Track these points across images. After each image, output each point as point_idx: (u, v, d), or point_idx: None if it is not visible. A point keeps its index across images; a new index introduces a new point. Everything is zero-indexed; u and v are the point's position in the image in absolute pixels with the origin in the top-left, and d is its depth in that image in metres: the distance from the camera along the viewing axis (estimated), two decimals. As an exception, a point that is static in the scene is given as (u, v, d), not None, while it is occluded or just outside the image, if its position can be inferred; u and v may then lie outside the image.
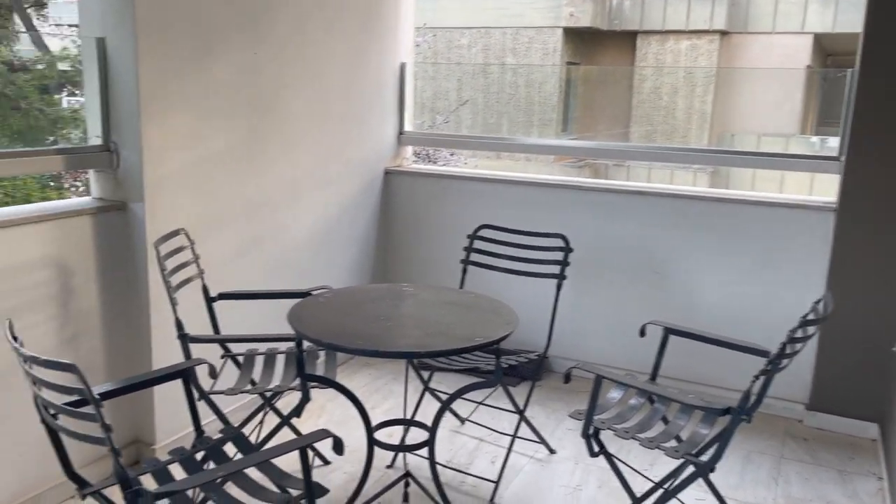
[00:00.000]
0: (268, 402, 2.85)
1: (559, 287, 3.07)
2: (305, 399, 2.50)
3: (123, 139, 2.76)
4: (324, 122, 3.73)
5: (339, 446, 1.84)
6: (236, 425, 2.65)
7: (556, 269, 3.07)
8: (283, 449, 1.79)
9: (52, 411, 1.80)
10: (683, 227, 3.74)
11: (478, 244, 3.28)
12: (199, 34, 2.91)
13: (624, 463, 2.54)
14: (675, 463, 2.60)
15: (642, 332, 2.68)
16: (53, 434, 1.87)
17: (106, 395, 1.98)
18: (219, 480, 1.86)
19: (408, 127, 4.45)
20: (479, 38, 14.52)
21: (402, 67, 4.34)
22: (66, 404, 1.74)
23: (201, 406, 2.34)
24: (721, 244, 3.67)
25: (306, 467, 1.80)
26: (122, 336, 2.89)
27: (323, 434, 1.83)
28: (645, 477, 2.87)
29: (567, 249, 3.09)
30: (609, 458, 2.36)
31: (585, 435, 2.29)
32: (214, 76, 3.01)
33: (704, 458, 2.22)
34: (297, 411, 2.55)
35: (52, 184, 7.18)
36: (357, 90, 3.96)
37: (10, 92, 5.44)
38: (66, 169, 2.72)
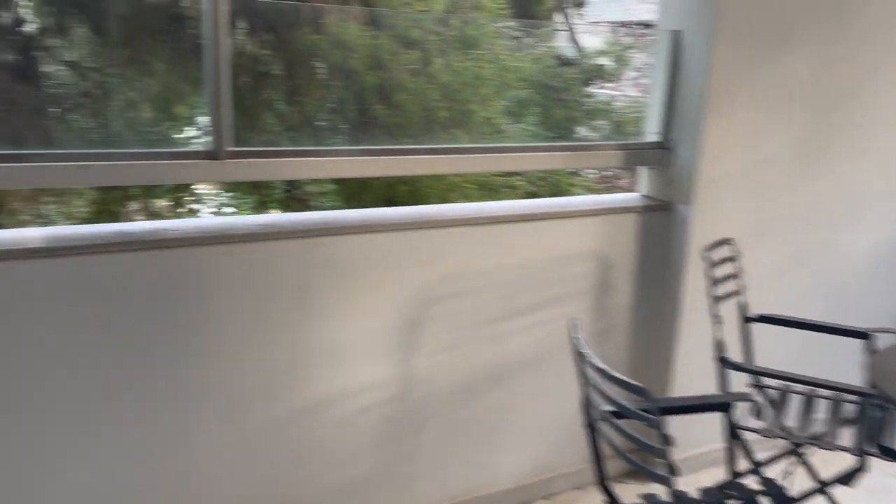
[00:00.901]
0: (796, 452, 2.43)
1: None
2: (861, 469, 2.03)
3: (682, 136, 2.61)
4: (905, 124, 3.04)
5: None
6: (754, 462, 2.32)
7: None
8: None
9: (596, 417, 1.73)
10: None
11: None
12: (775, 23, 2.58)
13: None
14: None
15: None
16: (593, 438, 1.81)
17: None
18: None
19: None
20: None
21: None
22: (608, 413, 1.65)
23: (702, 423, 2.06)
24: None
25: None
26: (646, 339, 2.80)
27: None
28: None
29: None
30: None
31: None
32: (785, 69, 2.65)
33: None
34: (847, 479, 2.09)
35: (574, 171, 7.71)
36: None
37: (556, 84, 5.90)
38: (625, 165, 2.70)
